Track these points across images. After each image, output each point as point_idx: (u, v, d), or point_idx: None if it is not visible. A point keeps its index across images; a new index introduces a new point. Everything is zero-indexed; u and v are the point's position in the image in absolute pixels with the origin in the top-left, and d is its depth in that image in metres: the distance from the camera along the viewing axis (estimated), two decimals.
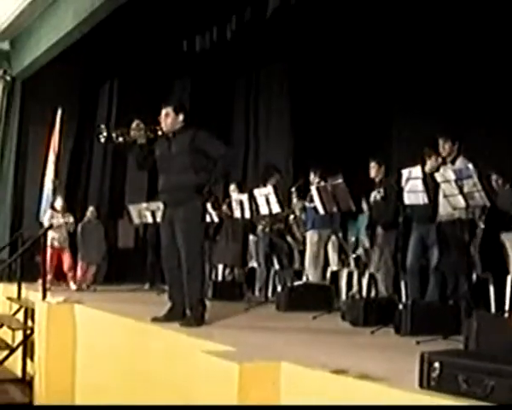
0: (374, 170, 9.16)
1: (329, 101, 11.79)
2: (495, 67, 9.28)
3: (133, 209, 12.39)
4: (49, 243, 11.39)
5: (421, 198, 6.87)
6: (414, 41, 10.30)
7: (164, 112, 7.29)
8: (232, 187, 11.32)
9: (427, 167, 7.63)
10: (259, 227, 10.64)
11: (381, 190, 8.91)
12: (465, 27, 9.53)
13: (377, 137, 11.16)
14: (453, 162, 7.66)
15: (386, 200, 8.66)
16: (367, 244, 9.62)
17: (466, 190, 6.45)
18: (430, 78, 10.16)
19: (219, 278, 11.84)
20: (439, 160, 8.17)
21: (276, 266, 10.66)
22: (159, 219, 11.36)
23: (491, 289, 8.19)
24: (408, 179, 6.92)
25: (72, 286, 11.78)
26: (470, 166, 6.86)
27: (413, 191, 6.90)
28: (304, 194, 10.20)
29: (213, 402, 4.78)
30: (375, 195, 9.10)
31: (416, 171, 6.95)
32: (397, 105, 11.18)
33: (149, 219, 11.82)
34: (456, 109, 9.72)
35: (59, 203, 11.92)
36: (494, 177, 8.59)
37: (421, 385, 3.88)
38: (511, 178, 8.68)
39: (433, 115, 10.13)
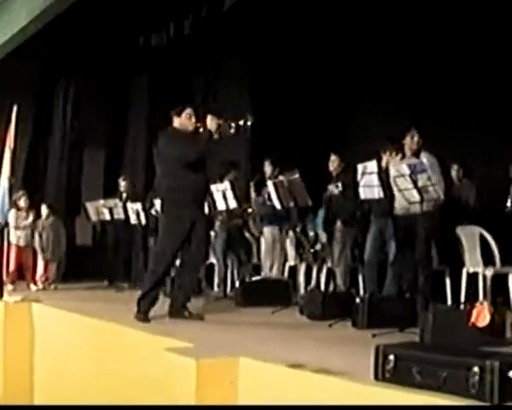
0: (333, 164, 9.21)
1: (289, 95, 11.80)
2: (453, 58, 9.38)
3: (90, 206, 12.31)
4: (14, 241, 11.34)
5: (376, 193, 6.92)
6: (372, 35, 10.39)
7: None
8: None
9: (384, 162, 7.69)
10: (217, 223, 10.64)
11: (339, 184, 8.96)
12: (422, 20, 9.62)
13: (338, 131, 11.22)
14: (417, 156, 7.73)
15: (345, 194, 8.71)
16: (325, 239, 9.68)
17: (420, 184, 6.52)
18: (391, 71, 10.26)
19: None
20: (394, 155, 8.26)
21: (234, 262, 10.68)
22: (116, 216, 11.41)
23: (448, 281, 8.30)
24: (363, 174, 6.96)
25: (33, 287, 11.67)
26: (425, 160, 6.95)
27: (368, 186, 6.95)
28: (261, 189, 10.21)
29: (172, 399, 4.80)
30: (333, 189, 9.14)
31: (372, 165, 7.00)
32: (357, 98, 11.26)
33: (107, 216, 11.77)
34: (417, 102, 9.80)
35: (22, 202, 11.81)
36: (455, 167, 8.70)
37: (376, 377, 3.93)
38: (471, 170, 8.82)
39: (393, 109, 10.22)
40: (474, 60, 9.26)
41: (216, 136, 7.38)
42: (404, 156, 7.77)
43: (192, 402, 4.56)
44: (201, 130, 7.45)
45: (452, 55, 9.45)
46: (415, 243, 7.48)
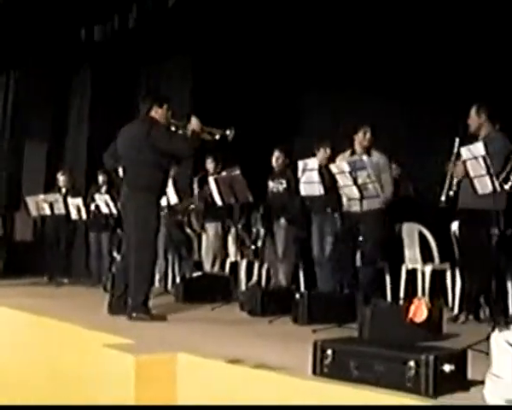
0: (277, 160, 9.23)
1: (232, 91, 11.81)
2: (397, 57, 9.46)
3: (30, 201, 12.16)
4: None
5: (317, 189, 6.98)
6: (315, 33, 10.44)
7: None
8: None
9: (318, 159, 7.74)
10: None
11: (283, 181, 8.99)
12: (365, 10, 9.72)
13: (281, 127, 11.25)
14: (368, 153, 7.81)
15: (289, 191, 8.73)
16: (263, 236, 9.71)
17: (360, 181, 6.59)
18: (336, 65, 10.30)
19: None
20: (328, 151, 8.35)
21: (175, 258, 10.66)
22: (57, 211, 11.29)
23: (388, 278, 8.40)
24: (304, 170, 7.01)
25: None
26: (365, 157, 7.02)
27: (309, 182, 7.00)
28: (204, 185, 10.19)
29: (111, 395, 4.78)
30: (277, 186, 9.15)
31: (312, 162, 7.07)
32: (301, 93, 11.31)
33: (47, 211, 11.63)
34: (362, 99, 9.88)
35: None
36: (393, 166, 8.80)
37: (314, 372, 3.96)
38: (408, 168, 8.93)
39: (337, 105, 10.30)
40: (402, 57, 9.38)
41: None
42: (354, 153, 7.84)
43: (131, 399, 4.54)
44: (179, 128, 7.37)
45: (391, 48, 9.53)
46: (359, 240, 7.57)
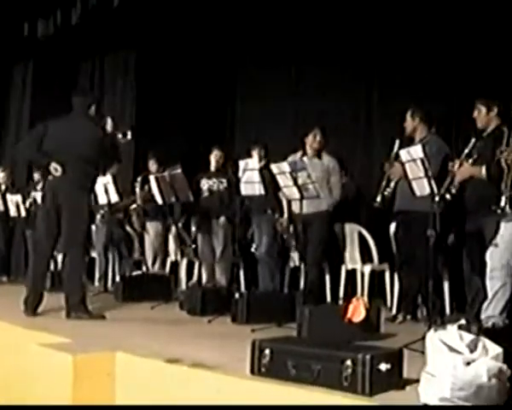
0: (215, 159, 9.22)
1: (174, 89, 11.78)
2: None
3: None
4: None
5: (257, 189, 7.00)
6: (254, 27, 10.48)
7: None
8: None
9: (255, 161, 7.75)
10: (98, 217, 10.52)
11: (224, 180, 8.98)
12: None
13: (221, 126, 11.27)
14: (319, 156, 7.86)
15: (230, 190, 8.71)
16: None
17: (300, 181, 6.62)
18: (278, 64, 10.34)
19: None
20: (262, 152, 8.40)
21: (116, 256, 10.60)
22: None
23: (328, 278, 8.46)
24: (245, 170, 7.02)
25: None
26: (305, 158, 7.06)
27: (250, 182, 7.02)
28: (146, 184, 10.14)
29: (49, 395, 4.73)
30: (217, 184, 9.13)
31: (253, 162, 7.09)
32: (239, 94, 11.32)
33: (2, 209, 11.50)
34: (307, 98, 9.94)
35: None
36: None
37: (252, 372, 3.97)
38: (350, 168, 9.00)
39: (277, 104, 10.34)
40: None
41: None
42: (304, 154, 7.87)
43: (68, 398, 4.51)
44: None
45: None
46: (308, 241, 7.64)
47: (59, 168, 6.83)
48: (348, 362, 3.60)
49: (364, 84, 9.50)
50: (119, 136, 7.30)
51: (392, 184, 6.69)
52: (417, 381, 3.51)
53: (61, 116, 7.35)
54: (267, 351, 3.92)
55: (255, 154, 8.36)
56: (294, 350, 3.91)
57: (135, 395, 4.51)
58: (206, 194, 9.17)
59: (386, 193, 6.70)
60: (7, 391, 5.72)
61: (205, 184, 9.18)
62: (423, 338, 4.02)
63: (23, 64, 14.95)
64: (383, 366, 3.62)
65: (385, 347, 4.26)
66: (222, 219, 8.94)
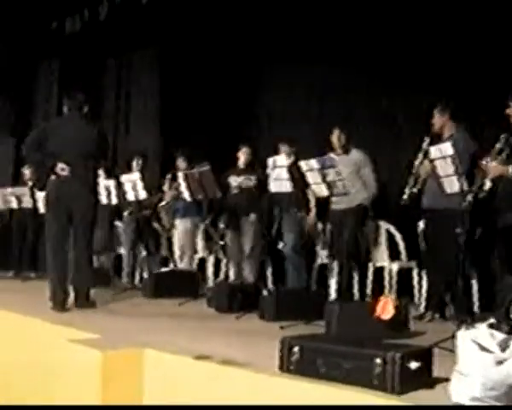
0: (243, 156, 9.22)
1: (199, 87, 11.79)
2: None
3: None
4: None
5: (286, 186, 6.98)
6: (279, 25, 10.45)
7: None
8: (100, 172, 11.16)
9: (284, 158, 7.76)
10: (125, 213, 10.56)
11: (253, 177, 8.98)
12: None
13: (247, 124, 11.25)
14: (347, 153, 7.83)
15: (260, 188, 8.72)
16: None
17: (329, 178, 6.60)
18: (301, 59, 10.30)
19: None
20: (293, 149, 8.39)
21: (143, 253, 10.63)
22: (24, 205, 11.21)
23: (355, 276, 8.44)
24: (274, 167, 7.01)
25: None
26: (333, 155, 7.03)
27: (278, 179, 7.00)
28: (174, 181, 10.14)
29: (77, 391, 4.76)
30: (246, 182, 9.13)
31: (281, 159, 7.07)
32: (266, 89, 11.30)
33: (14, 205, 11.57)
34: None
35: None
36: None
37: (281, 369, 3.97)
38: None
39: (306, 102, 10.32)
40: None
41: None
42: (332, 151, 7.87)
43: (97, 394, 4.52)
44: None
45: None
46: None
47: (66, 168, 7.10)
48: (378, 360, 3.58)
49: (389, 81, 9.43)
50: None
51: (420, 181, 6.67)
52: (447, 380, 3.48)
53: (59, 117, 7.86)
54: (296, 348, 3.91)
55: (283, 151, 8.35)
56: (324, 348, 3.89)
57: (163, 392, 4.51)
58: (235, 191, 9.17)
59: (414, 190, 6.68)
60: (34, 387, 5.75)
61: (234, 181, 9.18)
62: (453, 337, 4.00)
63: (49, 61, 15.03)
64: (413, 365, 3.60)
65: (415, 345, 4.22)
66: (251, 216, 8.93)
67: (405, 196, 6.70)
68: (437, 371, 3.81)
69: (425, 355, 3.76)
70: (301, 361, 3.88)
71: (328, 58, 9.87)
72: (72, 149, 7.18)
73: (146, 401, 4.59)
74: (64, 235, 7.34)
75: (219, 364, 4.24)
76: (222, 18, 11.13)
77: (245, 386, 3.99)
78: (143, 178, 8.77)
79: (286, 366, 3.94)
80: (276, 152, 8.25)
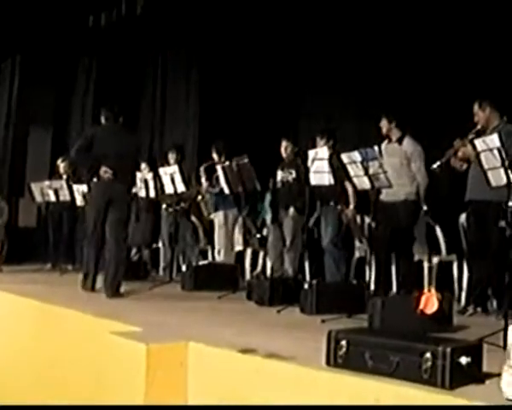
0: (285, 149, 9.19)
1: (237, 81, 11.77)
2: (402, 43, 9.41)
3: (35, 187, 12.14)
4: None
5: (326, 179, 6.93)
6: (320, 19, 10.39)
7: None
8: (143, 166, 11.19)
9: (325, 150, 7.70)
10: (163, 206, 10.59)
11: (293, 170, 8.94)
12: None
13: (287, 117, 11.20)
14: (400, 142, 7.75)
15: (299, 181, 8.68)
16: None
17: (371, 171, 6.53)
18: (341, 56, 10.24)
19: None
20: (331, 142, 8.32)
21: (181, 246, 10.64)
22: (62, 198, 11.28)
23: (394, 269, 8.36)
24: (314, 160, 6.96)
25: None
26: (376, 147, 6.95)
27: (319, 172, 6.95)
28: (212, 174, 10.14)
29: (120, 384, 4.76)
30: (286, 175, 9.10)
31: (322, 151, 7.01)
32: (306, 84, 11.23)
33: (52, 198, 11.63)
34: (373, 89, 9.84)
35: None
36: None
37: (328, 363, 3.93)
38: None
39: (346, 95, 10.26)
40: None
41: None
42: (390, 141, 7.78)
43: (141, 388, 4.52)
44: None
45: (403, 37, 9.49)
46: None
47: (109, 171, 7.92)
48: (428, 354, 3.53)
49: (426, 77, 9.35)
50: None
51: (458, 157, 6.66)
52: (497, 375, 3.44)
53: (102, 126, 8.49)
54: (343, 342, 3.87)
55: (323, 143, 8.29)
56: (372, 341, 3.85)
57: (207, 386, 4.50)
58: (279, 185, 9.20)
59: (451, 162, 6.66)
60: (78, 380, 5.78)
61: (278, 175, 9.18)
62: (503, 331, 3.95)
63: (88, 57, 15.10)
64: (463, 360, 3.54)
65: (464, 339, 4.16)
66: (291, 209, 8.90)
67: (435, 166, 6.67)
68: (485, 367, 3.75)
69: (475, 350, 3.70)
70: (348, 355, 3.85)
71: (367, 51, 9.83)
72: (114, 155, 7.97)
73: (190, 395, 4.58)
74: (101, 230, 8.09)
75: (264, 357, 4.21)
76: (263, 13, 11.09)
77: (291, 380, 3.97)
78: (182, 171, 8.77)
79: (333, 360, 3.90)
80: (314, 145, 8.20)
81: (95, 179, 8.09)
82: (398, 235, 7.60)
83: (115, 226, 8.02)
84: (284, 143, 9.15)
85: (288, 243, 8.99)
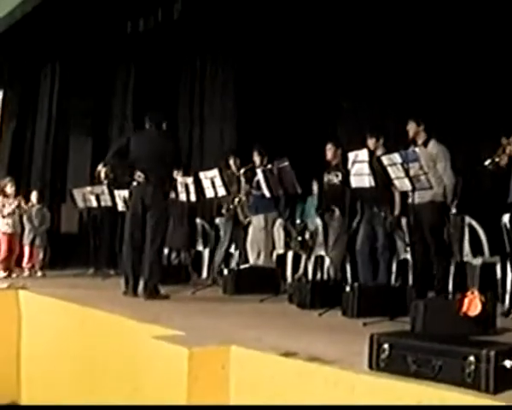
0: (330, 152, 9.17)
1: (274, 83, 11.77)
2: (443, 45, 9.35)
3: (77, 193, 12.25)
4: (2, 228, 11.26)
5: (367, 181, 6.89)
6: (358, 22, 10.36)
7: None
8: (180, 170, 11.24)
9: (370, 147, 7.68)
10: (223, 210, 10.54)
11: (339, 173, 8.91)
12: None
13: (327, 119, 11.17)
14: (425, 145, 7.69)
15: (344, 183, 8.65)
16: (313, 227, 9.67)
17: (412, 173, 6.48)
18: (379, 59, 10.21)
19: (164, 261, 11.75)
20: (381, 140, 8.27)
21: (222, 249, 10.66)
22: (103, 203, 11.36)
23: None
24: (354, 162, 6.93)
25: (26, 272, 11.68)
26: (417, 149, 6.91)
27: (359, 174, 6.92)
28: (251, 177, 10.14)
29: (163, 387, 4.77)
30: (332, 178, 9.08)
31: (363, 154, 6.97)
32: (345, 87, 11.20)
33: (94, 203, 11.71)
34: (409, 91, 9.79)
35: (9, 188, 11.67)
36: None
37: (370, 366, 3.91)
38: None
39: (383, 97, 10.21)
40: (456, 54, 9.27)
41: None
42: (415, 144, 7.72)
43: (183, 391, 4.53)
44: None
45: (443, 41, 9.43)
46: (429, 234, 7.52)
47: (142, 176, 8.09)
48: (471, 358, 3.50)
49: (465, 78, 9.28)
50: None
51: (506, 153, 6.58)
52: None
53: (139, 131, 8.83)
54: (386, 345, 3.85)
55: (371, 144, 8.23)
56: (414, 345, 3.82)
57: (249, 390, 4.51)
58: (325, 187, 9.21)
59: (497, 159, 6.58)
60: (120, 384, 5.82)
61: (325, 178, 9.19)
62: None
63: (126, 65, 15.21)
64: (508, 363, 3.51)
65: (507, 342, 4.11)
66: (337, 212, 8.87)
67: (487, 162, 6.61)
68: None
69: None
70: (391, 359, 3.83)
71: (402, 50, 9.80)
72: (148, 160, 8.14)
73: (232, 399, 4.59)
74: (139, 234, 8.21)
75: (306, 361, 4.20)
76: (302, 15, 11.07)
77: (333, 383, 3.95)
78: (222, 175, 8.77)
79: (375, 364, 3.88)
80: (363, 144, 8.13)
81: (134, 183, 8.24)
82: (429, 237, 7.53)
83: (152, 230, 8.11)
84: (329, 146, 9.14)
85: (331, 244, 8.96)
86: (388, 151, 7.36)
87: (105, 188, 11.49)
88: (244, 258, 10.48)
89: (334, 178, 8.96)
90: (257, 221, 10.25)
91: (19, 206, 11.67)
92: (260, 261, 10.08)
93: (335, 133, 10.58)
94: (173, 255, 11.78)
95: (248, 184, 10.18)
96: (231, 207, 10.02)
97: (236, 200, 10.29)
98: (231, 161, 10.57)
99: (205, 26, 12.71)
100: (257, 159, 9.96)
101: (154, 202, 8.13)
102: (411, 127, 7.73)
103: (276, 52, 11.72)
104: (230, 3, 11.72)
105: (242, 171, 10.20)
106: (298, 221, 10.37)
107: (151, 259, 8.06)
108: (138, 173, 8.10)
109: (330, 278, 8.75)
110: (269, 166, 8.71)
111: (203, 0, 12.17)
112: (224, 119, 13.28)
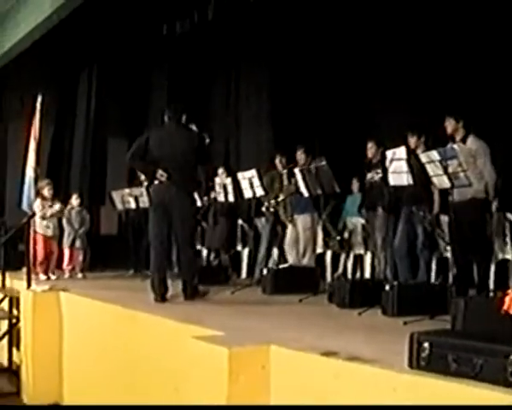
0: (371, 151, 9.15)
1: (310, 83, 11.76)
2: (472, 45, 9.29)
3: (116, 195, 12.34)
4: (41, 231, 11.36)
5: (405, 179, 6.84)
6: (393, 23, 10.32)
7: None
8: (221, 170, 11.27)
9: (412, 145, 7.64)
10: (263, 208, 10.53)
11: (379, 170, 8.87)
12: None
13: (364, 119, 11.13)
14: (464, 141, 7.63)
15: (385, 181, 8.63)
16: (352, 226, 9.64)
17: (450, 170, 6.44)
18: (416, 56, 10.16)
19: (204, 262, 11.80)
20: (422, 139, 8.21)
21: (262, 250, 10.66)
22: (142, 205, 11.42)
23: (475, 269, 8.23)
24: (392, 160, 6.89)
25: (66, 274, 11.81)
26: (455, 146, 6.86)
27: (397, 172, 6.88)
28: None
29: (203, 387, 4.79)
30: (373, 176, 9.05)
31: (400, 151, 6.92)
32: (382, 85, 11.16)
33: (132, 205, 11.79)
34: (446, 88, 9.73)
35: (47, 191, 11.78)
36: None
37: (410, 365, 3.89)
38: None
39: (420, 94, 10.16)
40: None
41: None
42: (454, 141, 7.66)
43: (223, 391, 4.54)
44: None
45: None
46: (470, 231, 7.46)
47: (164, 174, 7.82)
48: None
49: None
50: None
51: None
52: None
53: (159, 127, 8.59)
54: (426, 344, 3.82)
55: (412, 142, 8.18)
56: (455, 343, 3.78)
57: (290, 389, 4.49)
58: (367, 186, 9.22)
59: None
60: (161, 385, 5.85)
61: (367, 176, 9.20)
62: None
63: (160, 66, 15.29)
64: None
65: None
66: (379, 210, 8.84)
67: None
68: None
69: None
70: (431, 357, 3.79)
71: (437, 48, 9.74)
72: (170, 157, 7.86)
73: (272, 398, 4.59)
74: (163, 235, 8.00)
75: (346, 360, 4.18)
76: (330, 15, 11.07)
77: (373, 383, 3.93)
78: (260, 176, 8.77)
79: (415, 363, 3.85)
80: (404, 142, 8.08)
81: (155, 182, 8.00)
82: (470, 234, 7.46)
83: (180, 231, 7.91)
84: (370, 145, 9.11)
85: (379, 243, 8.92)
86: (428, 149, 7.30)
87: (143, 190, 11.55)
88: (283, 258, 10.49)
89: (376, 176, 8.91)
90: (303, 221, 10.19)
91: (62, 210, 11.78)
92: (305, 261, 10.04)
93: (375, 132, 10.53)
94: (212, 256, 11.82)
95: (291, 184, 10.16)
96: (271, 206, 10.02)
97: (277, 200, 10.29)
98: (277, 160, 10.47)
99: (239, 28, 12.74)
100: (301, 158, 9.91)
101: (180, 202, 7.86)
102: (450, 124, 7.67)
103: (312, 52, 11.71)
104: (265, 5, 11.72)
105: (285, 171, 10.18)
106: (337, 221, 10.35)
107: (186, 257, 7.96)
108: (161, 172, 7.84)
109: (379, 277, 8.67)
110: (311, 165, 8.69)
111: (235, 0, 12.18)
112: (259, 120, 13.29)
